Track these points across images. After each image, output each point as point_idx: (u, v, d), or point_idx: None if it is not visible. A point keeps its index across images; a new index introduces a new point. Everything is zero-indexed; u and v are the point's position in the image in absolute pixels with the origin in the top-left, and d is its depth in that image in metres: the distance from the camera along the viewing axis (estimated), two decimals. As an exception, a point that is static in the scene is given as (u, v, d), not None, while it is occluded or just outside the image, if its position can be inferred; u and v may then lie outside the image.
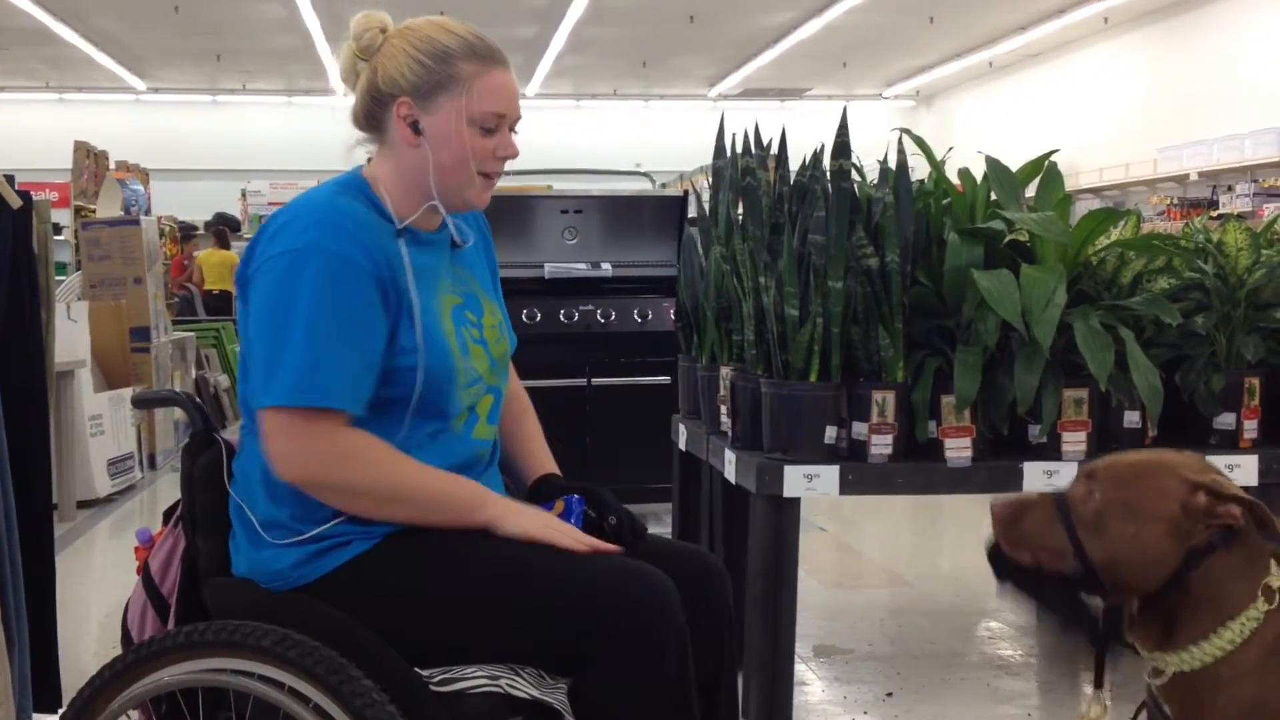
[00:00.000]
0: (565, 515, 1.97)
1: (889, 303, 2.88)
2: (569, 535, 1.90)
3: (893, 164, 2.95)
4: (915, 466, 2.92)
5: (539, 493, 2.13)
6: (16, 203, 2.81)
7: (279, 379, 1.84)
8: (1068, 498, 1.65)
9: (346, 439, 1.86)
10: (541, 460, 2.20)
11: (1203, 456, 1.68)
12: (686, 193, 5.71)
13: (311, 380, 1.83)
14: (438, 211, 2.00)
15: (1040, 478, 2.94)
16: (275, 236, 1.89)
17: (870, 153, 3.27)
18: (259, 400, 1.87)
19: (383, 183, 1.99)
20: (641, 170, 7.77)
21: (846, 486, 2.88)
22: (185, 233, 13.59)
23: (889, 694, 3.41)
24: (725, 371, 3.24)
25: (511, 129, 2.01)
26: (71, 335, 6.07)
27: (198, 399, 2.15)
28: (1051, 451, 2.95)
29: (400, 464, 1.88)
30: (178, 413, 7.70)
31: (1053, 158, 3.15)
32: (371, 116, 2.00)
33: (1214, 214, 10.12)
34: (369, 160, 2.05)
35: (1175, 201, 11.54)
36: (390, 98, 1.96)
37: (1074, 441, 2.95)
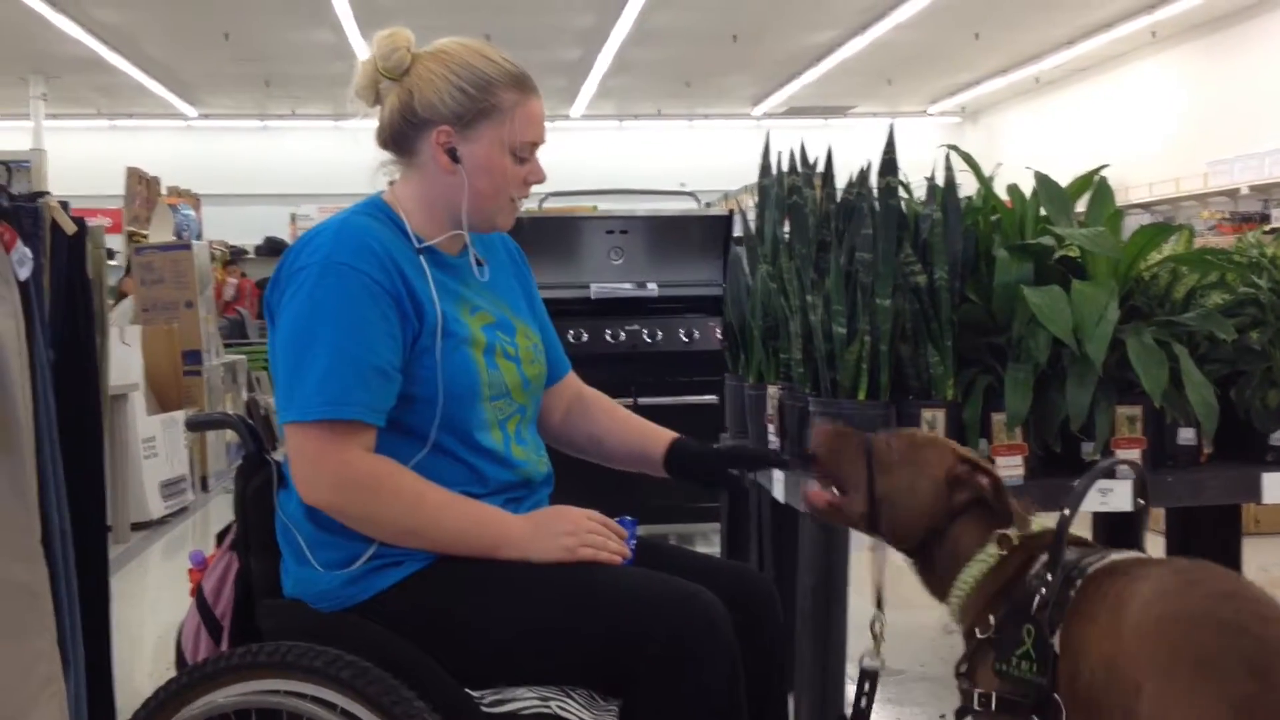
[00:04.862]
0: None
1: (938, 320, 2.86)
2: (606, 547, 1.89)
3: (940, 180, 2.93)
4: (966, 485, 2.89)
5: (682, 463, 2.16)
6: (71, 228, 2.85)
7: (300, 392, 1.84)
8: (873, 442, 2.04)
9: (369, 464, 1.85)
10: (658, 431, 2.22)
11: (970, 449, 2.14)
12: (732, 212, 5.71)
13: (331, 392, 1.83)
14: (461, 236, 2.00)
15: (1095, 496, 2.90)
16: (296, 258, 1.91)
17: (916, 170, 3.24)
18: (282, 416, 1.87)
19: (403, 205, 1.99)
20: (686, 190, 7.75)
21: (897, 505, 2.85)
22: (234, 256, 13.71)
23: (942, 716, 3.38)
24: (773, 390, 3.23)
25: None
26: (125, 359, 6.15)
27: (250, 421, 2.16)
28: (1106, 469, 2.91)
29: (422, 498, 1.87)
30: (229, 435, 7.77)
31: (1102, 173, 3.12)
32: (403, 139, 1.98)
33: (1266, 228, 9.99)
34: (390, 184, 2.04)
35: (1227, 216, 11.39)
36: (427, 123, 1.94)
37: (1128, 459, 2.91)
